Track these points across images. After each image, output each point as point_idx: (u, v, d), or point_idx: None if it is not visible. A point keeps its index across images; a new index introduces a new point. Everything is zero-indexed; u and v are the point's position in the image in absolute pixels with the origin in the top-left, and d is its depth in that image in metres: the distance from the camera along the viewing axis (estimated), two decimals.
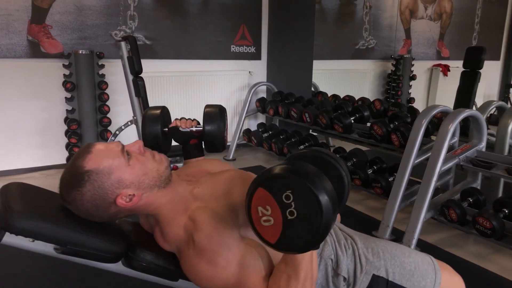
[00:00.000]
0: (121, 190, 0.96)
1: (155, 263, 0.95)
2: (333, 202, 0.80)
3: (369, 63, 5.63)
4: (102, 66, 3.64)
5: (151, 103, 3.96)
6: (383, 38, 5.64)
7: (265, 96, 4.67)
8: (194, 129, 1.36)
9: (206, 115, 1.36)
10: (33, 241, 0.90)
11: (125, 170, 0.97)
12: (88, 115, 3.56)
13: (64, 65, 3.52)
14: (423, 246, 2.46)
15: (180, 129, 1.36)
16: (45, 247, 0.92)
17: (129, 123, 2.89)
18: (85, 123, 3.55)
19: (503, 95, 6.84)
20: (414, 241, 2.37)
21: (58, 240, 0.90)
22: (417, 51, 5.93)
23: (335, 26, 5.18)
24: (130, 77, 2.77)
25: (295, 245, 0.82)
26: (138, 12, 3.95)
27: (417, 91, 5.96)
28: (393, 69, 5.64)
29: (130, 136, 4.03)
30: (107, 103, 3.65)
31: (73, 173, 0.95)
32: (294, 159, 1.01)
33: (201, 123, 1.36)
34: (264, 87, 4.63)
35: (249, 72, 4.57)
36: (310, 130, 3.96)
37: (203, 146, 1.38)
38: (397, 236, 2.53)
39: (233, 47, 4.49)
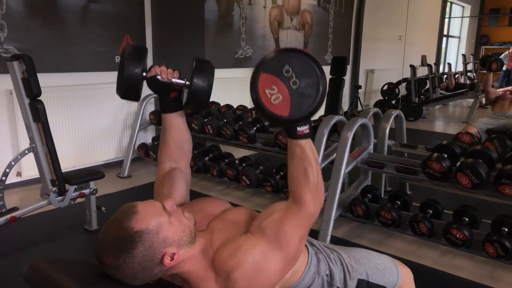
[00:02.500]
0: (166, 249, 0.94)
1: None
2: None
3: (248, 71, 5.93)
4: None
5: None
6: (258, 47, 6.02)
7: (153, 108, 4.57)
8: (174, 81, 1.21)
9: (198, 67, 1.21)
10: None
11: (169, 228, 0.95)
12: None
13: None
14: (334, 241, 2.80)
15: (159, 78, 1.20)
16: None
17: (26, 151, 2.56)
18: None
19: (354, 95, 7.92)
20: (328, 238, 2.68)
21: None
22: None
23: (216, 36, 5.34)
24: (26, 101, 2.46)
25: (305, 108, 0.97)
26: (7, 20, 3.48)
27: None
28: None
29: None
30: None
31: (122, 235, 0.91)
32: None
33: (181, 74, 1.25)
34: (153, 99, 4.52)
35: None
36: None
37: (184, 101, 1.26)
38: (311, 235, 2.82)
39: (118, 58, 4.28)
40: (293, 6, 6.50)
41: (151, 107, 4.51)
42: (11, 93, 3.52)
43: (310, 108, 0.97)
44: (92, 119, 4.14)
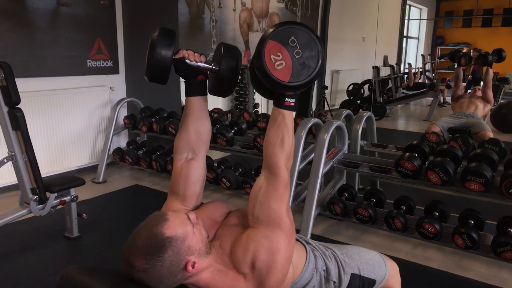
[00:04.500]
0: (189, 257, 1.01)
1: None
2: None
3: None
4: None
5: None
6: None
7: (126, 111, 4.54)
8: (201, 64, 1.23)
9: (226, 52, 1.22)
10: None
11: (192, 237, 1.02)
12: None
13: None
14: (314, 238, 2.91)
15: (187, 61, 1.21)
16: None
17: (5, 160, 2.51)
18: None
19: (320, 95, 8.14)
20: (309, 236, 2.80)
21: None
22: None
23: (187, 39, 5.36)
24: (5, 109, 2.41)
25: (303, 77, 1.06)
26: None
27: (260, 97, 6.64)
28: (240, 78, 6.15)
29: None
30: None
31: (154, 240, 0.97)
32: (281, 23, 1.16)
33: (208, 59, 1.26)
34: (126, 103, 4.49)
35: (110, 87, 4.38)
36: None
37: (210, 86, 1.29)
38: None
39: (90, 62, 4.23)
40: (261, 9, 6.61)
41: (124, 112, 4.49)
42: None
43: (308, 78, 1.07)
44: (64, 125, 4.07)
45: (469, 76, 8.84)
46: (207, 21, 5.64)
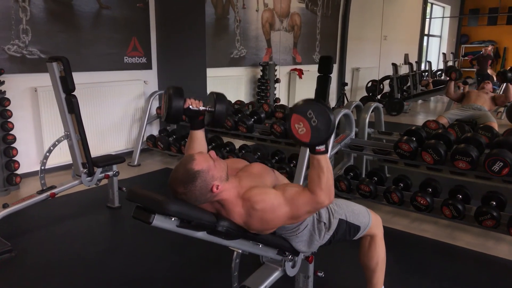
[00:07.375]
0: (214, 182, 1.44)
1: (230, 227, 1.46)
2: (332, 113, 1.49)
3: (242, 70, 6.45)
4: (2, 82, 3.57)
5: (49, 118, 4.00)
6: (252, 48, 6.52)
7: (158, 103, 5.03)
8: (201, 108, 1.71)
9: (218, 99, 1.72)
10: (174, 219, 1.32)
11: (214, 168, 1.46)
12: None
13: None
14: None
15: (191, 107, 1.69)
16: (169, 225, 1.34)
17: (62, 138, 3.01)
18: None
19: (340, 92, 8.46)
20: None
21: (191, 216, 1.33)
22: (277, 58, 6.99)
23: (213, 38, 5.82)
24: (62, 95, 2.91)
25: (320, 137, 1.45)
26: (31, 26, 3.92)
27: (281, 92, 7.04)
28: (262, 74, 6.57)
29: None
30: (10, 119, 3.60)
31: (188, 173, 1.41)
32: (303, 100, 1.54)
33: (203, 103, 1.73)
34: (157, 96, 4.98)
35: (144, 81, 4.88)
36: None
37: (206, 121, 1.76)
38: None
39: (126, 58, 4.74)
40: (283, 9, 7.01)
41: (156, 103, 4.98)
42: (35, 91, 3.97)
43: (323, 138, 1.46)
44: (104, 114, 4.59)
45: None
46: (232, 21, 6.08)
